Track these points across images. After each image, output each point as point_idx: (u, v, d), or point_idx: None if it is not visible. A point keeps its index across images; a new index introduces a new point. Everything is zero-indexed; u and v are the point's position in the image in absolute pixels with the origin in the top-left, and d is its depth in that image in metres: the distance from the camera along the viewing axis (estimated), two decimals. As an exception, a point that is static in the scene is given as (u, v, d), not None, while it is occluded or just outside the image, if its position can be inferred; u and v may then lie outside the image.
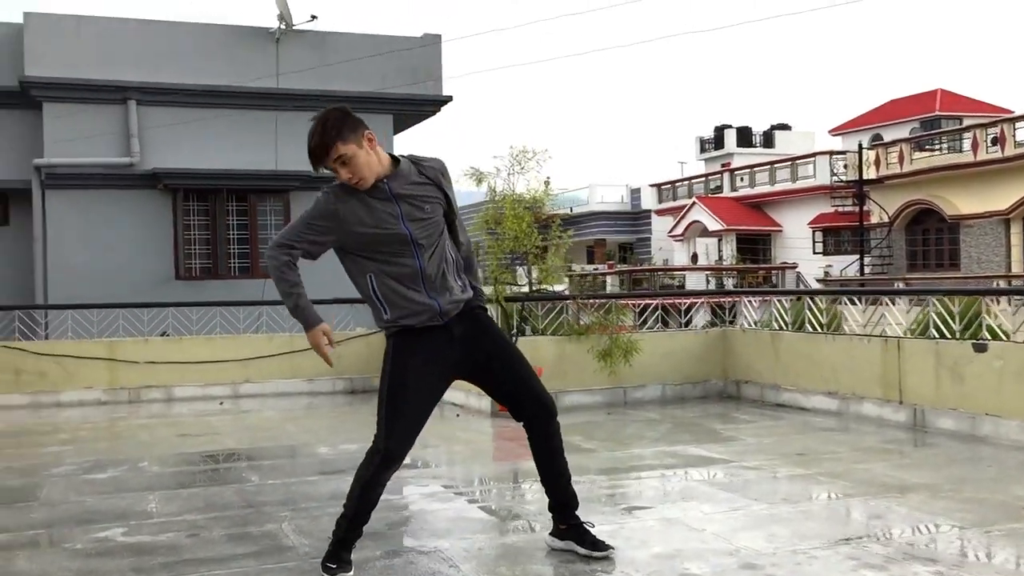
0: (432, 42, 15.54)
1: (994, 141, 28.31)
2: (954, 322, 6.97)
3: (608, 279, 36.30)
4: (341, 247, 3.47)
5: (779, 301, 8.83)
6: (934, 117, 38.53)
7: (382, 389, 3.48)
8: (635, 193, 47.00)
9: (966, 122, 34.13)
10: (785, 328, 8.58)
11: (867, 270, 32.67)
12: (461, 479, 5.90)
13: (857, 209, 32.98)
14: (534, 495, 4.78)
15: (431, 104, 15.65)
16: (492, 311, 8.78)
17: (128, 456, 6.49)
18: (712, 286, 34.05)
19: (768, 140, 50.04)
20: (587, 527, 3.79)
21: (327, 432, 7.65)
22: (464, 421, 7.81)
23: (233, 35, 14.50)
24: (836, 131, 42.46)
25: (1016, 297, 8.28)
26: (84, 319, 10.45)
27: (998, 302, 8.53)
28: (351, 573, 3.52)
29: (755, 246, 38.00)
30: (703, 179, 42.82)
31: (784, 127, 51.73)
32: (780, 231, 37.70)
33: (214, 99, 14.18)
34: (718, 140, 49.90)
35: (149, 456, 6.44)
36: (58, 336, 10.82)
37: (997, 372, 6.32)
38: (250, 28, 14.61)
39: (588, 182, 47.32)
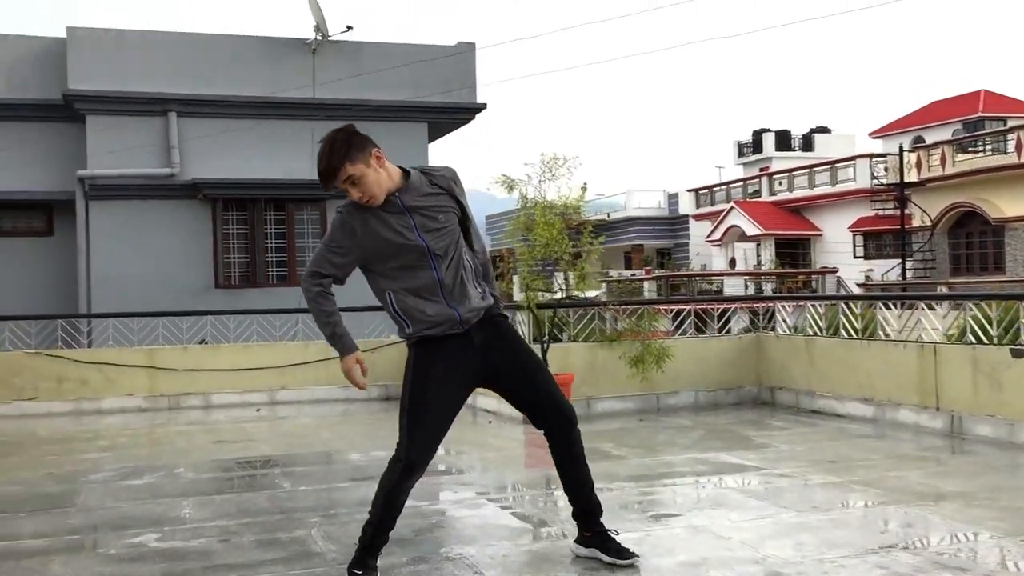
0: (466, 50, 15.63)
1: (1039, 142, 27.76)
2: (992, 327, 6.86)
3: (645, 285, 36.13)
4: (363, 264, 3.53)
5: (813, 306, 8.74)
6: (977, 118, 37.88)
7: (404, 398, 3.53)
8: (672, 198, 46.75)
9: (1010, 123, 33.50)
10: (819, 333, 8.50)
11: (909, 274, 32.18)
12: (491, 485, 5.92)
13: (898, 212, 32.50)
14: (563, 502, 4.76)
15: (465, 112, 15.73)
16: (524, 318, 8.81)
17: (165, 462, 6.61)
18: (751, 291, 33.75)
19: (807, 144, 49.53)
20: (611, 534, 3.79)
21: (360, 438, 7.72)
22: (496, 428, 7.83)
23: (270, 47, 14.70)
24: (877, 134, 41.91)
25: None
26: (125, 327, 10.65)
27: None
28: (376, 579, 3.55)
29: (794, 250, 37.61)
30: (741, 183, 42.49)
31: (824, 130, 51.19)
32: (820, 235, 37.28)
33: (252, 110, 14.39)
34: (756, 144, 49.49)
35: (185, 462, 6.55)
36: (100, 344, 11.03)
37: (1036, 378, 6.21)
38: (287, 40, 14.81)
39: (625, 187, 47.20)
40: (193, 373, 9.84)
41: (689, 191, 45.23)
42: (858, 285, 32.90)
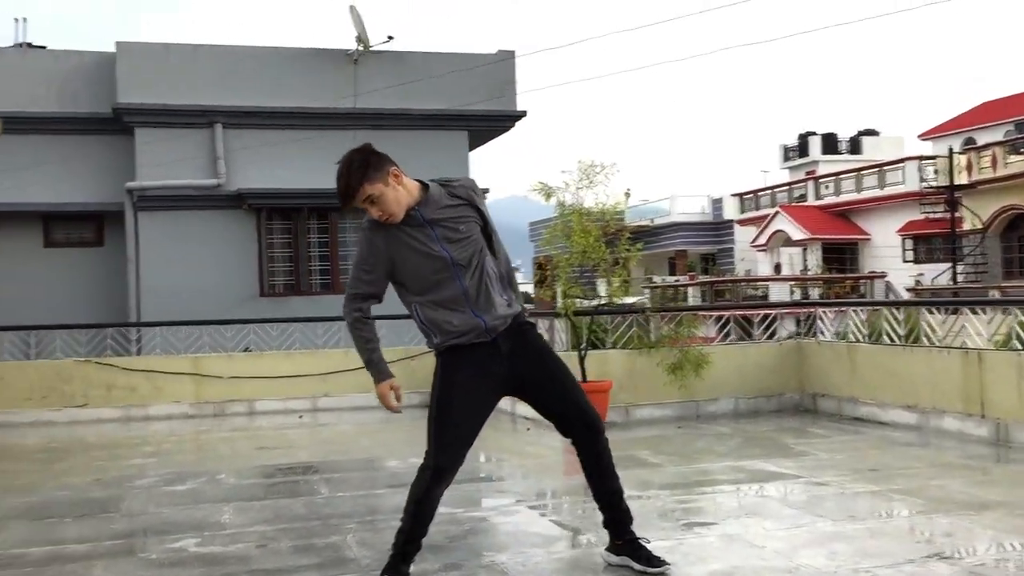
0: (506, 58, 15.70)
1: (1095, 142, 27.09)
2: (1038, 333, 6.72)
3: (689, 290, 35.87)
4: (390, 277, 3.58)
5: (855, 312, 8.63)
6: (1030, 119, 37.07)
7: (431, 406, 3.58)
8: (716, 203, 46.42)
9: (1065, 123, 32.74)
10: (861, 340, 8.39)
11: (960, 278, 31.57)
12: (527, 493, 5.95)
13: (948, 216, 31.92)
14: (597, 509, 4.78)
15: (506, 119, 15.79)
16: (562, 325, 8.82)
17: (207, 468, 6.73)
18: (796, 296, 33.34)
19: (855, 146, 48.84)
20: (642, 542, 3.79)
21: (399, 445, 7.78)
22: (535, 435, 7.85)
23: (313, 58, 14.91)
24: (926, 135, 41.20)
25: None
26: (172, 335, 10.85)
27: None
28: (408, 585, 3.59)
29: (842, 255, 37.10)
30: (786, 188, 42.05)
31: (872, 133, 50.44)
32: (868, 239, 36.75)
33: (295, 120, 14.59)
34: (802, 148, 48.93)
35: (227, 468, 6.66)
36: (148, 352, 11.26)
37: (1084, 385, 6.07)
38: (329, 50, 15.01)
39: (669, 193, 47.00)
40: (237, 380, 10.00)
41: (733, 196, 44.86)
42: (907, 290, 32.35)
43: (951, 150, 33.03)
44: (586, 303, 8.73)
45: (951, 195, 31.78)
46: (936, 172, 33.55)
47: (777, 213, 38.57)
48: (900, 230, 34.83)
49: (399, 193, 3.45)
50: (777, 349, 8.94)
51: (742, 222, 43.23)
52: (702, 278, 39.05)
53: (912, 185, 34.10)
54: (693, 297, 35.04)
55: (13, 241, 14.77)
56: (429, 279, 3.50)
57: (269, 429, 8.92)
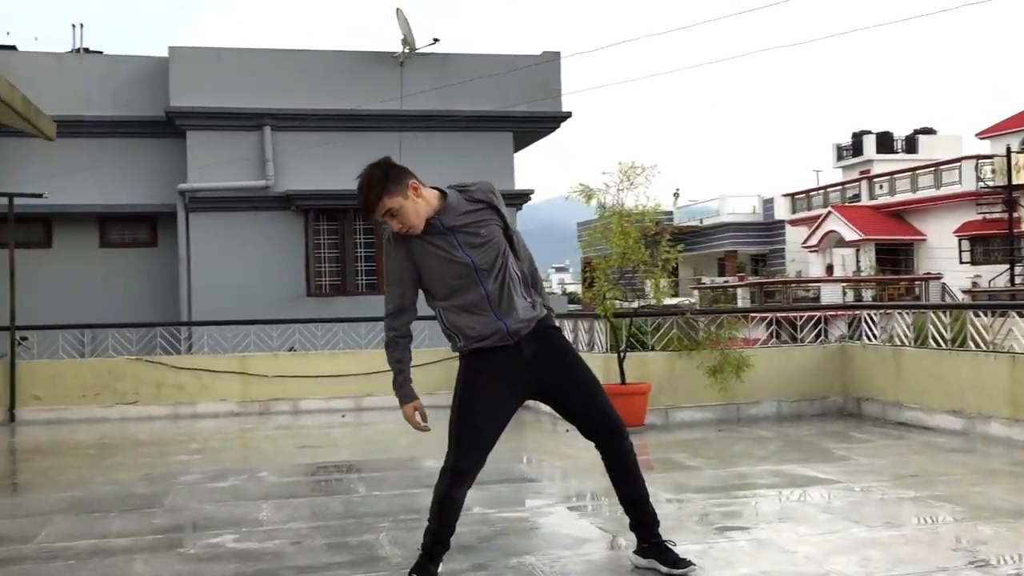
0: (551, 59, 15.72)
1: None
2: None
3: (738, 291, 35.53)
4: (418, 286, 3.63)
5: (900, 314, 8.49)
6: (1093, 116, 36.08)
7: (453, 408, 3.62)
8: (767, 203, 45.90)
9: None
10: (907, 343, 8.25)
11: (1018, 280, 30.82)
12: (561, 494, 5.96)
13: (1006, 216, 31.19)
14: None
15: (551, 120, 15.82)
16: (602, 327, 8.81)
17: (249, 466, 6.86)
18: (849, 298, 32.83)
19: (911, 145, 47.95)
20: (669, 545, 3.79)
21: (438, 445, 7.77)
22: (572, 436, 7.80)
23: (359, 60, 15.08)
24: (984, 134, 40.29)
25: None
26: (219, 334, 11.06)
27: None
28: (436, 584, 3.63)
29: (896, 256, 36.46)
30: (839, 188, 41.43)
31: (928, 131, 49.49)
32: (923, 240, 36.06)
33: (342, 122, 14.77)
34: (856, 147, 48.16)
35: (269, 466, 6.78)
36: (197, 350, 11.50)
37: None
38: (375, 53, 15.17)
39: (719, 193, 46.59)
40: (283, 379, 10.17)
41: (785, 196, 44.32)
42: (964, 292, 31.68)
43: (1009, 149, 32.27)
44: (626, 305, 8.71)
45: (1009, 195, 31.06)
46: (993, 172, 32.83)
47: (829, 213, 38.03)
48: (957, 231, 34.12)
49: (418, 205, 3.49)
50: (821, 352, 8.83)
51: (793, 222, 42.70)
52: (752, 279, 38.65)
53: (969, 185, 33.40)
54: (742, 299, 34.71)
55: (70, 241, 15.18)
56: (452, 284, 3.54)
57: (312, 428, 9.05)
